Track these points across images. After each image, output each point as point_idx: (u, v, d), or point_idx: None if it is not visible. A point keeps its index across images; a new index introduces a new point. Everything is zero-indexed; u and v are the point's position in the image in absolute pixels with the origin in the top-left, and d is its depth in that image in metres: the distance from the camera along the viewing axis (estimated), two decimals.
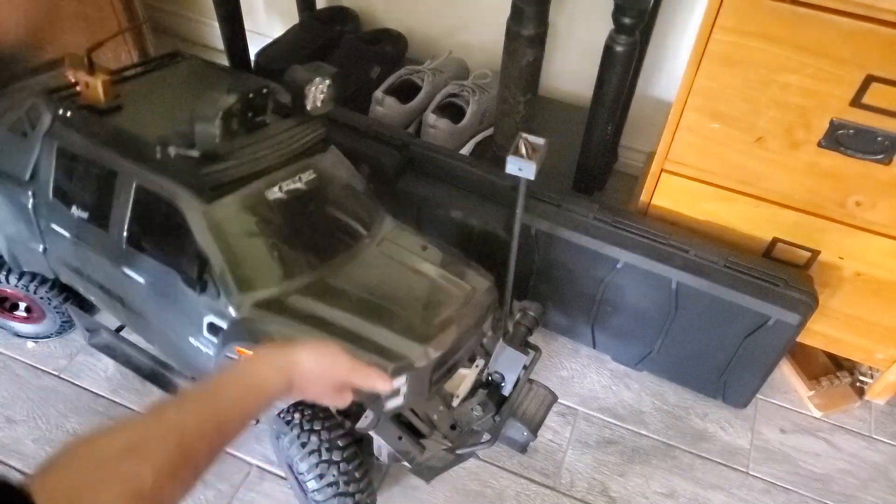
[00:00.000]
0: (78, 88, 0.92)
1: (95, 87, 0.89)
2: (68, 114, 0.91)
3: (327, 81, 0.92)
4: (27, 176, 0.97)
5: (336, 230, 0.94)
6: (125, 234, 0.90)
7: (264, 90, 0.89)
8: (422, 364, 0.81)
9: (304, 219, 0.91)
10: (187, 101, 0.96)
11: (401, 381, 0.78)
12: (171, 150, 0.79)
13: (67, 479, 0.44)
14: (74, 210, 0.94)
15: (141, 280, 0.92)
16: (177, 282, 0.87)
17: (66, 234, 0.98)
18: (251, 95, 0.86)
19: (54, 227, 0.99)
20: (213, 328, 0.88)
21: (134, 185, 0.87)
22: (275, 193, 0.88)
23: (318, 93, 0.92)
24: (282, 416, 0.93)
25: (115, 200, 0.89)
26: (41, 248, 1.03)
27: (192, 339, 0.93)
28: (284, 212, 0.89)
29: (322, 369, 0.63)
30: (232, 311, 0.85)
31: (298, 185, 0.91)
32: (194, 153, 0.80)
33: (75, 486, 0.44)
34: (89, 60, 0.88)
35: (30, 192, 0.98)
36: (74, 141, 0.92)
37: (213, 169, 0.83)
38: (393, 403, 0.79)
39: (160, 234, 0.89)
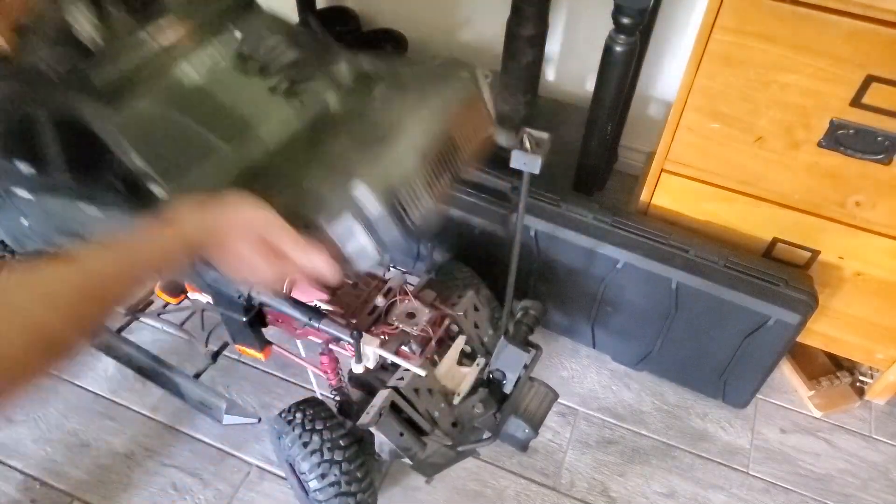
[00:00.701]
0: None
1: None
2: None
3: None
4: None
5: (276, 95, 0.82)
6: (67, 172, 0.81)
7: None
8: (366, 199, 0.67)
9: (233, 94, 0.79)
10: None
11: (352, 227, 0.66)
12: (52, 62, 0.71)
13: None
14: (19, 165, 0.85)
15: (99, 215, 0.84)
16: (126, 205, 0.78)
17: (28, 195, 0.90)
18: None
19: (15, 190, 0.91)
20: None
21: (46, 116, 0.77)
22: (190, 75, 0.78)
23: None
24: (283, 415, 0.94)
25: (42, 141, 0.80)
26: (26, 222, 0.97)
27: None
28: (208, 92, 0.78)
29: (242, 219, 0.61)
30: None
31: (216, 58, 0.79)
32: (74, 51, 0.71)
33: None
34: None
35: None
36: None
37: (109, 66, 0.73)
38: (364, 259, 0.67)
39: (95, 161, 0.78)
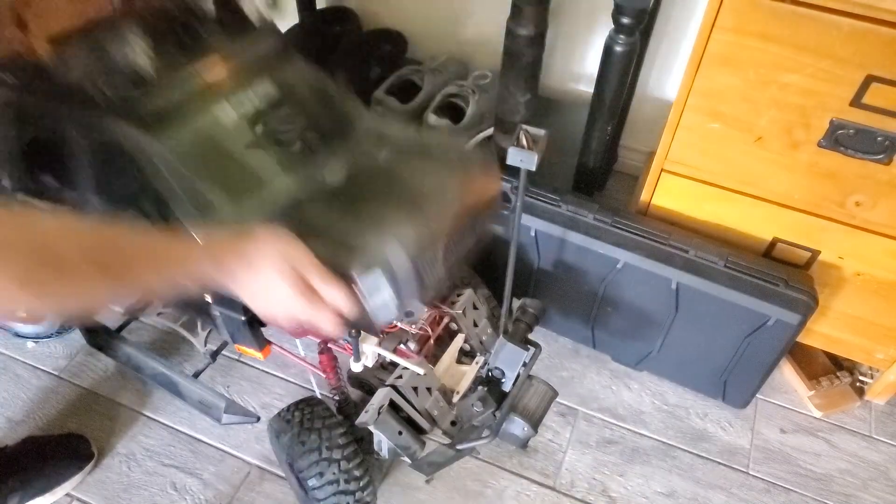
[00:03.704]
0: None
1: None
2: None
3: None
4: None
5: (305, 142, 0.84)
6: (95, 193, 0.82)
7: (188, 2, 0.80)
8: (397, 258, 0.70)
9: (268, 136, 0.82)
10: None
11: (380, 282, 0.68)
12: (103, 86, 0.72)
13: None
14: (44, 179, 0.85)
15: None
16: None
17: (45, 207, 0.89)
18: (176, 14, 0.78)
19: (34, 202, 0.89)
20: None
21: (82, 135, 0.78)
22: (229, 115, 0.79)
23: None
24: (281, 415, 0.94)
25: (73, 158, 0.80)
26: None
27: None
28: (244, 132, 0.80)
29: (275, 248, 0.60)
30: None
31: (255, 103, 0.81)
32: (127, 85, 0.73)
33: None
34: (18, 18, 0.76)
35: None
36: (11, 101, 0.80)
37: (152, 96, 0.75)
38: (384, 314, 0.70)
39: (125, 185, 0.80)
